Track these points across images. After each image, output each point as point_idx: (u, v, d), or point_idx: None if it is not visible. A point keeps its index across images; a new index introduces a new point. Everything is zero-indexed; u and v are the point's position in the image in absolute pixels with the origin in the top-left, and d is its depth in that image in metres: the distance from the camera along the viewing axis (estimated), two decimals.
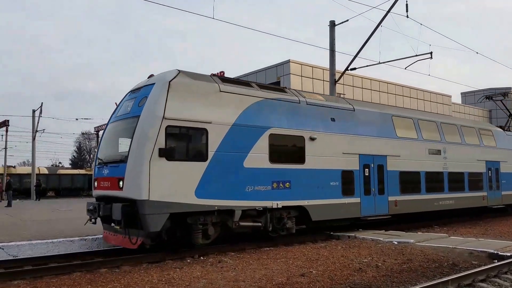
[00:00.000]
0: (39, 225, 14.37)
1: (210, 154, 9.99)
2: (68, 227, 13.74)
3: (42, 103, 41.75)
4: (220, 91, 10.56)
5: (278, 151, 11.37)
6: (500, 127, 22.43)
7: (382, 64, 20.20)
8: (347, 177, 12.90)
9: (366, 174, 13.54)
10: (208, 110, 10.15)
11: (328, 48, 19.79)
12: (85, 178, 49.83)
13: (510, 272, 7.99)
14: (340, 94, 24.96)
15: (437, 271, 8.17)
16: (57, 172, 51.31)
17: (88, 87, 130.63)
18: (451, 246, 10.39)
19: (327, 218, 12.32)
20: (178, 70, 10.20)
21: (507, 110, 25.90)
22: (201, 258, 9.71)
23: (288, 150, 11.75)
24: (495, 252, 9.49)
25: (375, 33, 18.51)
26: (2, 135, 42.48)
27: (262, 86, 11.94)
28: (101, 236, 11.01)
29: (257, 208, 10.74)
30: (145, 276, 7.80)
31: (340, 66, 20.64)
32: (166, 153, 9.31)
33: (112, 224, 9.77)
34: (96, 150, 11.03)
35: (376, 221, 14.34)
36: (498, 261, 8.62)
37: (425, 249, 10.27)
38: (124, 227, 9.33)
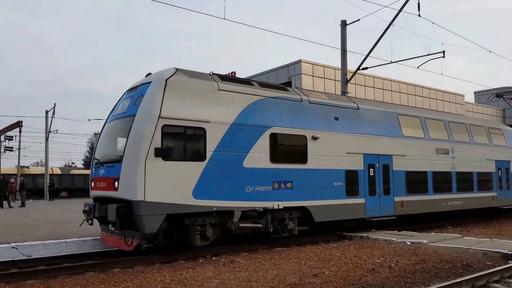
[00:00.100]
0: (52, 225, 14.51)
1: (208, 154, 9.80)
2: (81, 227, 13.84)
3: (55, 104, 42.31)
4: (219, 89, 10.38)
5: (279, 150, 11.18)
6: (511, 125, 22.08)
7: (394, 63, 20.03)
8: (351, 177, 12.67)
9: (371, 174, 13.31)
10: (206, 109, 9.98)
11: (339, 48, 19.70)
12: None
13: None
14: (344, 92, 24.74)
15: (451, 272, 8.08)
16: (70, 173, 51.85)
17: (92, 87, 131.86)
18: (464, 247, 10.27)
19: (330, 219, 12.10)
20: (176, 68, 10.03)
21: None
22: (214, 258, 9.72)
23: (289, 150, 11.53)
24: (510, 252, 9.37)
25: (387, 32, 18.36)
26: (15, 136, 43.09)
27: (263, 85, 11.73)
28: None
29: (257, 209, 10.53)
30: (157, 276, 7.83)
31: (351, 66, 20.51)
32: (163, 153, 9.14)
33: (110, 226, 9.61)
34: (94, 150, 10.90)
35: (382, 222, 14.03)
36: None
37: (439, 249, 10.17)
38: (119, 228, 9.18)
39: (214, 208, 9.77)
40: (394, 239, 11.57)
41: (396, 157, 14.11)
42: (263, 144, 10.78)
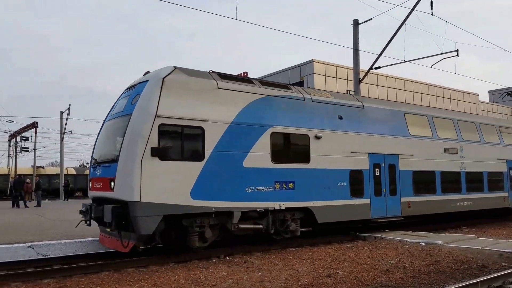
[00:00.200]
0: (67, 224, 14.68)
1: (207, 154, 9.62)
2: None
3: (69, 105, 42.75)
4: (218, 88, 10.18)
5: (281, 150, 10.96)
6: None
7: (407, 62, 19.86)
8: (356, 177, 12.43)
9: (376, 174, 13.04)
10: (205, 108, 9.81)
11: (351, 47, 19.61)
12: None
13: None
14: (349, 91, 24.66)
15: (466, 273, 7.98)
16: (85, 173, 52.32)
17: (97, 86, 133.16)
18: (480, 247, 10.15)
19: (334, 220, 11.84)
20: (174, 67, 9.86)
21: None
22: (227, 258, 9.75)
23: (291, 149, 11.29)
24: None
25: (399, 31, 18.22)
26: (31, 137, 43.70)
27: (264, 83, 11.50)
28: None
29: (258, 209, 10.31)
30: (171, 275, 7.88)
31: (363, 65, 20.42)
32: (159, 153, 8.98)
33: (106, 227, 9.54)
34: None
35: (387, 223, 13.78)
36: None
37: (454, 250, 10.06)
38: (115, 229, 9.07)
39: (213, 209, 9.60)
40: (408, 240, 11.48)
41: (402, 156, 13.86)
42: (264, 143, 10.59)
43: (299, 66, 30.03)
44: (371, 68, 19.69)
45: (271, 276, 7.74)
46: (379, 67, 20.01)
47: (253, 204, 10.24)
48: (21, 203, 26.37)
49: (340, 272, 7.91)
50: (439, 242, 11.05)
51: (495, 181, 17.33)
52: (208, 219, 9.68)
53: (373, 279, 7.41)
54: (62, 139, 40.63)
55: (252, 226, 10.36)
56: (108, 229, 9.50)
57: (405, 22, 18.11)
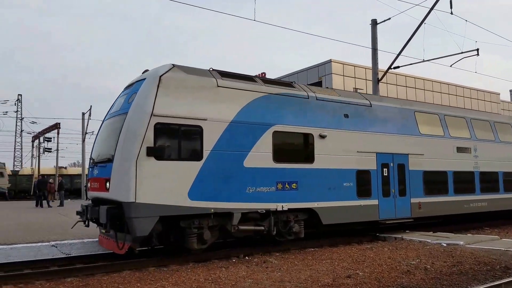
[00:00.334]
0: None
1: (206, 153, 9.38)
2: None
3: (91, 106, 43.39)
4: (218, 86, 9.93)
5: (283, 149, 10.64)
6: None
7: (427, 62, 19.62)
8: (362, 177, 12.05)
9: (384, 174, 12.62)
10: (204, 106, 9.55)
11: (370, 47, 19.47)
12: None
13: None
14: (356, 89, 24.33)
15: (489, 274, 7.83)
16: None
17: (100, 86, 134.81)
18: (503, 249, 9.96)
19: (340, 222, 11.46)
20: (173, 65, 9.66)
21: None
22: (246, 258, 9.78)
23: (294, 149, 10.95)
24: None
25: (418, 30, 18.02)
26: (54, 138, 44.55)
27: (266, 81, 11.21)
28: None
29: (259, 210, 10.03)
30: (192, 275, 7.95)
31: (381, 65, 20.24)
32: (155, 152, 8.75)
33: (101, 228, 9.43)
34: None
35: (397, 224, 13.35)
36: None
37: (476, 251, 9.89)
38: (110, 230, 8.98)
39: (212, 210, 9.34)
40: (429, 240, 11.33)
41: (412, 156, 13.41)
42: (265, 142, 10.29)
43: (317, 66, 29.95)
44: (390, 67, 19.53)
45: (290, 276, 7.74)
46: (398, 67, 19.84)
47: (254, 205, 9.96)
48: (44, 202, 26.89)
49: (360, 273, 7.86)
50: (461, 243, 10.87)
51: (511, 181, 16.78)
52: (207, 220, 9.45)
53: (394, 280, 7.34)
54: (83, 140, 41.32)
55: (253, 227, 10.07)
56: (103, 230, 9.40)
57: (424, 21, 17.94)
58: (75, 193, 44.42)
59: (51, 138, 44.76)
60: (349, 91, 17.14)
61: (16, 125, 65.04)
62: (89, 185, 10.25)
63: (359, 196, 11.89)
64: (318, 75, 29.60)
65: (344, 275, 7.70)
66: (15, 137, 65.29)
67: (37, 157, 45.24)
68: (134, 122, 8.81)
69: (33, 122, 76.64)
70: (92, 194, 9.97)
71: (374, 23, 19.50)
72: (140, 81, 9.63)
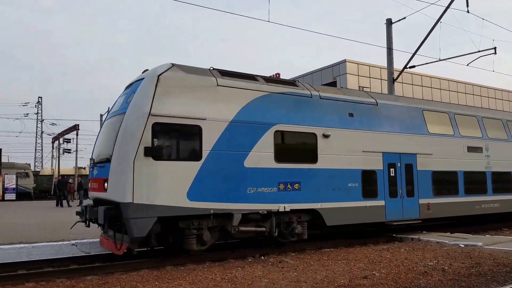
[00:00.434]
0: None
1: (205, 153, 9.24)
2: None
3: (109, 107, 44.04)
4: (218, 85, 9.79)
5: (286, 149, 10.45)
6: None
7: (443, 61, 19.42)
8: (368, 177, 11.76)
9: (391, 175, 12.31)
10: (203, 106, 9.43)
11: (386, 46, 19.36)
12: None
13: None
14: (363, 87, 24.12)
15: (509, 276, 7.72)
16: None
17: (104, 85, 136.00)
18: None
19: (344, 223, 11.21)
20: (172, 64, 9.55)
21: None
22: (262, 257, 9.82)
23: (297, 148, 10.73)
24: None
25: (434, 29, 17.86)
26: (73, 139, 45.28)
27: (269, 80, 10.97)
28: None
29: (260, 211, 9.86)
30: (208, 274, 8.01)
31: (396, 64, 20.13)
32: (153, 152, 8.65)
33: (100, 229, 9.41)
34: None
35: (405, 225, 13.03)
36: None
37: (495, 252, 9.76)
38: (107, 231, 8.95)
39: (211, 211, 9.20)
40: (447, 241, 11.21)
41: (420, 155, 13.07)
42: (266, 142, 10.10)
43: (332, 66, 29.87)
44: (405, 67, 19.39)
45: (306, 276, 7.75)
46: (413, 66, 19.67)
47: (255, 205, 9.79)
48: (64, 202, 27.37)
49: (376, 274, 7.84)
50: (479, 244, 10.74)
51: None
52: (207, 221, 9.32)
53: (411, 281, 7.30)
54: None
55: (254, 228, 9.90)
56: (101, 231, 9.38)
57: (440, 20, 17.77)
58: None
59: (70, 139, 45.50)
60: (355, 89, 16.82)
61: (37, 127, 66.31)
62: (89, 185, 10.26)
63: (364, 196, 11.63)
64: (333, 75, 29.52)
65: (361, 276, 7.68)
66: (36, 139, 66.60)
67: (57, 158, 46.09)
68: (131, 122, 8.74)
69: (53, 124, 78.15)
70: (92, 194, 9.95)
71: (389, 22, 19.40)
72: (139, 81, 9.56)
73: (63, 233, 12.21)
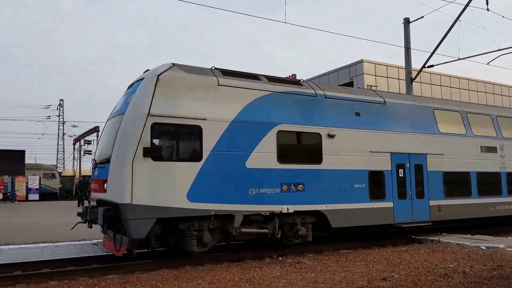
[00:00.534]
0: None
1: (205, 154, 9.11)
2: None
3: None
4: (219, 84, 9.65)
5: (289, 149, 10.24)
6: None
7: (462, 60, 19.14)
8: (375, 178, 11.45)
9: (400, 175, 11.96)
10: (203, 106, 9.30)
11: (403, 46, 19.19)
12: None
13: None
14: (371, 86, 23.83)
15: None
16: None
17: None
18: None
19: (350, 225, 10.96)
20: (173, 64, 9.44)
21: None
22: (280, 258, 9.84)
23: (301, 149, 10.52)
24: None
25: (453, 28, 17.63)
26: (93, 140, 46.03)
27: (272, 79, 10.74)
28: None
29: (262, 213, 9.70)
30: (227, 274, 8.07)
31: (414, 64, 19.93)
32: (152, 153, 8.56)
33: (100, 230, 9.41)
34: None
35: (415, 228, 12.70)
36: None
37: None
38: (106, 232, 8.92)
39: (212, 212, 9.08)
40: (468, 243, 11.05)
41: (431, 156, 12.67)
42: (269, 142, 9.91)
43: (348, 66, 29.72)
44: (423, 66, 19.19)
45: (324, 277, 7.74)
46: (432, 66, 19.44)
47: (257, 207, 9.62)
48: (86, 202, 27.89)
49: (396, 276, 7.78)
50: (501, 246, 10.55)
51: None
52: (207, 223, 9.20)
53: (431, 284, 7.23)
54: None
55: (256, 230, 9.74)
56: (101, 232, 9.40)
57: (459, 19, 17.54)
58: None
59: (91, 141, 46.24)
60: (362, 89, 16.52)
61: (58, 129, 67.61)
62: (91, 186, 10.27)
63: (372, 198, 11.34)
64: (350, 76, 29.36)
65: (379, 278, 7.63)
66: (58, 140, 67.89)
67: (78, 159, 46.98)
68: (130, 122, 8.68)
69: (74, 126, 79.64)
70: (94, 195, 9.97)
71: (407, 21, 19.23)
72: (139, 81, 9.49)
73: (84, 233, 12.43)
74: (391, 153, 11.91)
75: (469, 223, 15.07)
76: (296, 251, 10.45)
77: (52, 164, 47.42)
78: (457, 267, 8.40)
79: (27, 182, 40.57)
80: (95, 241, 10.88)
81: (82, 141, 47.39)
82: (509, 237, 12.78)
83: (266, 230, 9.82)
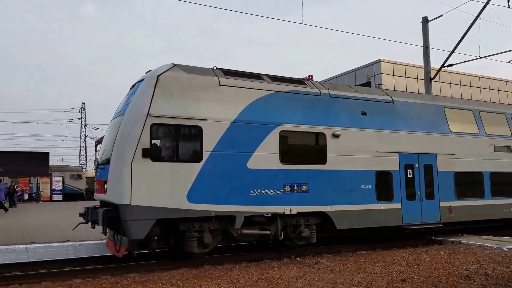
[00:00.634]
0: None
1: (205, 154, 9.07)
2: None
3: None
4: (220, 84, 9.59)
5: (292, 150, 10.13)
6: None
7: (483, 58, 18.85)
8: (383, 179, 11.22)
9: (409, 176, 11.72)
10: (204, 106, 9.25)
11: (422, 45, 19.00)
12: None
13: None
14: (379, 85, 23.50)
15: None
16: None
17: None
18: None
19: (356, 226, 10.76)
20: (173, 64, 9.43)
21: None
22: (298, 259, 9.86)
23: (304, 149, 10.38)
24: None
25: (473, 26, 17.39)
26: None
27: (275, 79, 10.63)
28: None
29: (264, 214, 9.61)
30: (245, 274, 8.13)
31: (433, 64, 19.71)
32: (151, 154, 8.57)
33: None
34: None
35: (424, 230, 12.55)
36: None
37: None
38: (106, 232, 8.90)
39: (213, 213, 9.03)
40: (489, 245, 10.89)
41: (441, 156, 12.36)
42: (271, 142, 9.81)
43: (366, 66, 29.52)
44: (443, 65, 19.00)
45: (343, 278, 7.73)
46: (451, 65, 19.21)
47: (259, 208, 9.53)
48: None
49: (416, 277, 7.73)
50: None
51: None
52: (208, 224, 9.15)
53: (452, 285, 7.16)
54: None
55: (257, 231, 9.66)
56: (101, 232, 9.45)
57: (479, 17, 17.30)
58: None
59: None
60: (369, 87, 15.96)
61: (81, 131, 68.78)
62: (94, 187, 10.38)
63: (379, 199, 11.12)
64: (367, 76, 29.15)
65: (399, 279, 7.59)
66: (80, 142, 69.12)
67: None
68: (129, 123, 8.67)
69: (96, 128, 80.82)
70: (96, 196, 10.02)
71: (425, 20, 19.07)
72: (140, 82, 9.49)
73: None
74: (399, 153, 11.68)
75: (478, 225, 14.74)
76: (314, 252, 10.46)
77: (79, 165, 48.45)
78: (478, 269, 8.30)
79: (51, 183, 41.65)
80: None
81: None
82: None
83: (268, 232, 9.74)
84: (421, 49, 19.11)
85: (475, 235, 12.83)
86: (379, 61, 28.44)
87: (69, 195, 43.07)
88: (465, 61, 19.39)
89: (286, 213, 9.83)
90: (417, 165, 11.94)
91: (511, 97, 34.91)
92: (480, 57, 18.74)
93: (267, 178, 9.66)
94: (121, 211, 8.31)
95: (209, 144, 9.14)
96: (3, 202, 25.55)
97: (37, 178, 41.26)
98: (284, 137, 10.03)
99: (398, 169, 11.58)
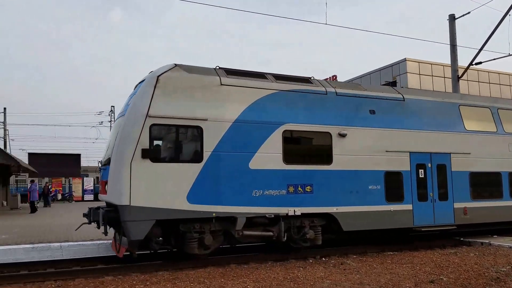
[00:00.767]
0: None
1: (206, 155, 8.96)
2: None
3: None
4: (221, 84, 9.47)
5: (296, 150, 9.95)
6: None
7: None
8: (392, 179, 10.88)
9: (420, 176, 11.32)
10: (204, 106, 9.17)
11: (449, 43, 18.67)
12: None
13: None
14: (389, 83, 22.89)
15: None
16: None
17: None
18: None
19: (364, 228, 10.46)
20: (175, 64, 9.36)
21: None
22: (323, 259, 9.87)
23: (309, 149, 10.18)
24: None
25: (502, 22, 16.98)
26: None
27: (279, 77, 10.43)
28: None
29: (267, 215, 9.45)
30: (271, 273, 8.20)
31: (460, 62, 19.34)
32: (151, 154, 8.53)
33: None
34: None
35: (437, 232, 11.96)
36: None
37: None
38: (106, 233, 9.00)
39: (213, 214, 8.93)
40: None
41: (456, 155, 11.91)
42: (274, 142, 9.63)
43: (391, 66, 29.14)
44: (471, 63, 18.61)
45: (370, 279, 7.71)
46: (480, 62, 18.80)
47: (261, 209, 9.36)
48: None
49: (444, 279, 7.63)
50: None
51: None
52: (209, 225, 9.06)
53: (482, 287, 7.06)
54: None
55: (259, 233, 9.51)
56: (102, 233, 9.57)
57: (509, 13, 16.87)
58: None
59: None
60: (379, 85, 15.47)
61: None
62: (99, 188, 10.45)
63: (388, 200, 10.78)
64: (392, 75, 28.78)
65: (427, 280, 7.52)
66: None
67: None
68: (129, 124, 8.65)
69: None
70: (99, 196, 10.14)
71: (452, 18, 18.73)
72: (141, 82, 9.47)
73: None
74: (410, 152, 11.30)
75: (495, 227, 14.23)
76: (340, 252, 10.45)
77: None
78: (510, 271, 8.13)
79: (82, 184, 42.99)
80: None
81: None
82: None
83: (271, 233, 9.60)
84: (448, 47, 18.79)
85: (506, 237, 12.54)
86: (404, 60, 28.04)
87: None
88: (494, 59, 18.96)
89: (289, 214, 9.66)
90: (429, 165, 11.56)
91: None
92: (510, 55, 18.33)
93: (269, 179, 9.51)
94: (120, 212, 8.34)
95: (209, 145, 9.05)
96: (37, 202, 26.47)
97: (69, 179, 42.54)
98: (287, 136, 9.86)
99: (409, 169, 11.24)
